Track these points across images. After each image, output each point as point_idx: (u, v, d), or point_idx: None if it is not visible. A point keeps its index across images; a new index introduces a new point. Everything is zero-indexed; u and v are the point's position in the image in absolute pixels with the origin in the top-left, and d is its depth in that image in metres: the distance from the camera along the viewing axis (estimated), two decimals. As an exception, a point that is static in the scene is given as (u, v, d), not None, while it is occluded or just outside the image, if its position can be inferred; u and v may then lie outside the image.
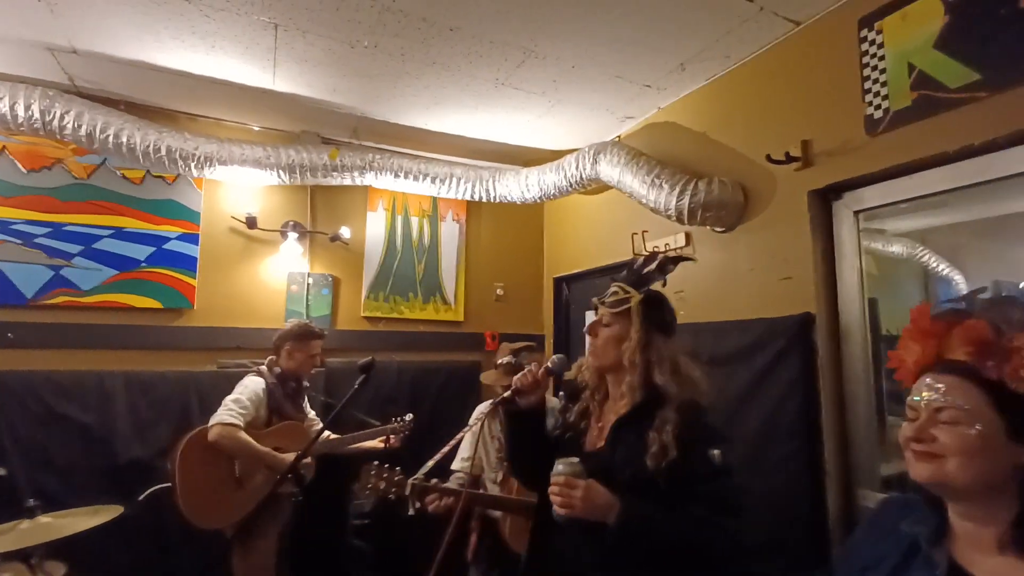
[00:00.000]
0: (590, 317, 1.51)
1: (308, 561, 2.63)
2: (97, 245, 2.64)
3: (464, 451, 2.21)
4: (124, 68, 2.38)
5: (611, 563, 1.20)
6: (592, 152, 2.61)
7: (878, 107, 1.67)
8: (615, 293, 1.33)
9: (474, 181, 3.03)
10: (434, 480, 1.93)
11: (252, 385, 2.29)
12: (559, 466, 1.15)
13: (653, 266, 1.37)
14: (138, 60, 2.31)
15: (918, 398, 0.87)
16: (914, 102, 1.58)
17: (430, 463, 1.36)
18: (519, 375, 1.33)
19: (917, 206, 1.76)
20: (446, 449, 1.35)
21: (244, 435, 2.14)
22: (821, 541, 1.71)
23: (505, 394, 1.35)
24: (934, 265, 2.14)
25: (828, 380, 1.81)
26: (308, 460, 2.30)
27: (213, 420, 2.15)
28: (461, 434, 1.51)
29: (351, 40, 2.12)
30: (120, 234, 2.69)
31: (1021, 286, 2.17)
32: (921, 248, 2.19)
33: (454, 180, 3.00)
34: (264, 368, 2.38)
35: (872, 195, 1.79)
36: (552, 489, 1.14)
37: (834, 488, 1.75)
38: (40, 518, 1.80)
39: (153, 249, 2.73)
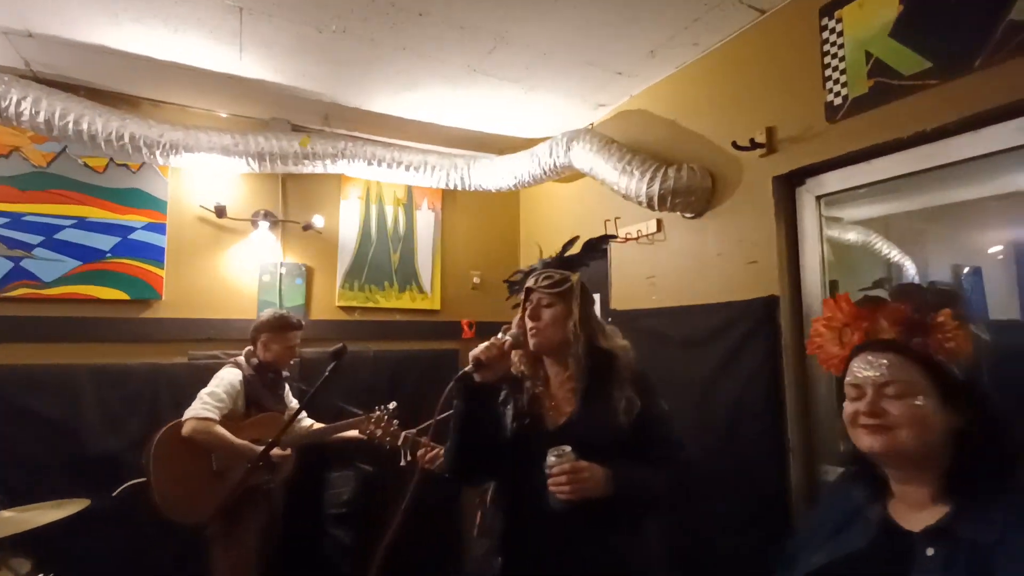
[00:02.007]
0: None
1: (288, 552, 2.63)
2: (59, 236, 2.56)
3: None
4: (83, 52, 2.30)
5: (598, 534, 1.25)
6: (565, 140, 2.62)
7: (837, 94, 1.72)
8: (549, 276, 1.40)
9: (448, 169, 3.02)
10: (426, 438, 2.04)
11: (228, 377, 2.26)
12: (553, 457, 1.18)
13: (575, 249, 1.50)
14: (97, 44, 2.24)
15: (863, 375, 0.93)
16: (871, 89, 1.63)
17: (426, 424, 1.47)
18: (483, 346, 1.29)
19: (876, 193, 1.82)
20: (441, 416, 1.39)
21: (219, 429, 2.11)
22: (785, 513, 1.78)
23: (467, 368, 1.29)
24: (887, 252, 2.23)
25: (791, 360, 1.87)
26: (287, 452, 2.29)
27: (187, 414, 2.12)
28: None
29: (319, 24, 2.09)
30: (83, 224, 2.61)
31: (965, 271, 2.28)
32: (875, 236, 2.28)
33: (428, 168, 2.99)
34: (242, 359, 2.36)
35: (833, 180, 1.84)
36: (559, 479, 1.16)
37: (797, 463, 1.82)
38: (3, 513, 1.77)
39: (118, 239, 2.66)
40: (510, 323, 2.57)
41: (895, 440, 0.87)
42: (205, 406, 2.13)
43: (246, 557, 2.19)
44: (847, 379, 0.96)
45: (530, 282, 1.41)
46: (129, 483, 2.23)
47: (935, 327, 0.91)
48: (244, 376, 2.29)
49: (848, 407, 0.95)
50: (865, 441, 0.91)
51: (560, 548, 1.25)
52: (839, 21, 1.73)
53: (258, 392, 2.31)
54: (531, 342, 1.37)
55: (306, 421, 2.50)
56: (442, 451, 2.01)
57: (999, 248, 2.26)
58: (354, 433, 2.41)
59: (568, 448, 1.19)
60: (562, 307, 1.37)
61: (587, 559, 1.23)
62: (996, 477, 0.85)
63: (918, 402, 0.87)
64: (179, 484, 2.11)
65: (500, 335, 1.39)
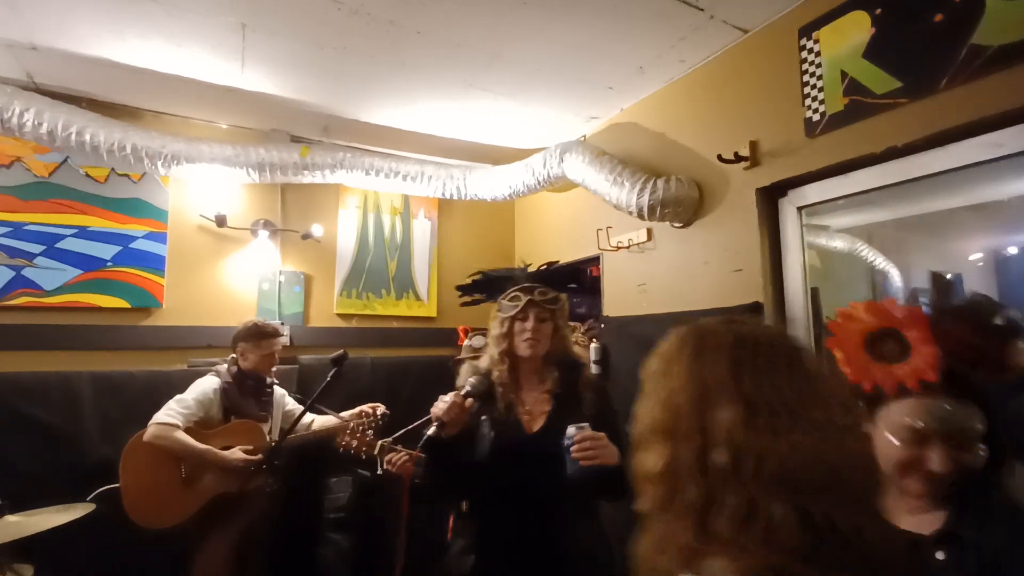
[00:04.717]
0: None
1: (285, 555, 2.66)
2: (60, 245, 2.60)
3: None
4: (86, 65, 2.35)
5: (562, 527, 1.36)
6: (558, 151, 2.70)
7: (815, 111, 1.82)
8: (544, 292, 1.53)
9: (445, 179, 3.09)
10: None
11: (203, 385, 2.28)
12: (573, 428, 1.27)
13: (559, 272, 1.65)
14: (100, 57, 2.29)
15: (931, 423, 0.86)
16: (846, 107, 1.73)
17: (400, 432, 1.62)
18: (444, 409, 1.37)
19: (858, 203, 1.92)
20: (416, 424, 1.48)
21: (180, 434, 2.13)
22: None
23: (430, 431, 1.36)
24: (872, 259, 2.32)
25: (775, 364, 1.95)
26: (259, 458, 2.24)
27: (152, 420, 2.15)
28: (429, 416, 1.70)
29: (320, 41, 2.16)
30: (84, 233, 2.66)
31: (948, 276, 2.37)
32: (861, 243, 2.37)
33: (425, 178, 3.06)
34: (222, 367, 2.37)
35: (812, 192, 1.93)
36: (583, 445, 1.24)
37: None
38: (8, 517, 1.80)
39: (119, 248, 2.71)
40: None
41: (942, 486, 0.86)
42: (169, 412, 2.15)
43: (218, 560, 2.18)
44: (906, 419, 0.88)
45: (529, 295, 1.52)
46: (103, 488, 2.23)
47: (1010, 365, 0.85)
48: (221, 384, 2.30)
49: (904, 451, 0.87)
50: (916, 489, 0.88)
51: (532, 540, 1.35)
52: (816, 42, 1.83)
53: (235, 400, 2.31)
54: (527, 351, 1.49)
55: (307, 418, 2.48)
56: (404, 456, 2.09)
57: (979, 255, 2.37)
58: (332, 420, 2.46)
59: (587, 424, 1.29)
60: (551, 322, 1.52)
61: (557, 547, 1.35)
62: (986, 480, 0.88)
63: (981, 452, 0.85)
64: (147, 490, 2.12)
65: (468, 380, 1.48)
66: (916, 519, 0.90)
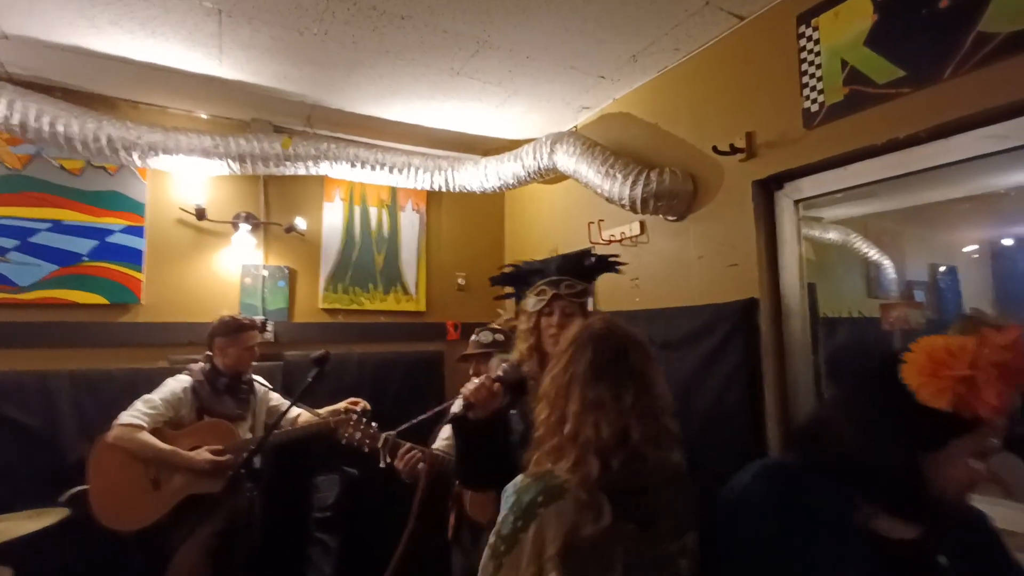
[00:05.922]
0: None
1: (271, 555, 2.62)
2: (34, 239, 2.51)
3: (444, 432, 2.24)
4: (59, 53, 2.26)
5: None
6: (549, 142, 2.63)
7: (814, 101, 1.75)
8: (572, 286, 1.48)
9: (433, 171, 3.01)
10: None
11: (172, 384, 2.21)
12: None
13: (593, 261, 1.56)
14: (74, 45, 2.20)
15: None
16: (846, 97, 1.66)
17: (405, 425, 1.57)
18: (473, 388, 1.31)
19: (853, 194, 1.86)
20: (422, 417, 1.43)
21: (144, 435, 2.06)
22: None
23: (457, 411, 1.31)
24: (866, 250, 2.27)
25: (771, 361, 1.90)
26: (227, 459, 2.17)
27: (116, 421, 2.07)
28: (439, 408, 1.67)
29: (299, 27, 2.07)
30: (59, 227, 2.56)
31: (941, 270, 2.33)
32: (855, 235, 2.32)
33: (412, 169, 2.98)
34: (195, 365, 2.29)
35: (810, 185, 1.87)
36: None
37: (775, 463, 1.85)
38: (-21, 524, 1.74)
39: (96, 243, 2.62)
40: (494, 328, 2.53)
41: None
42: (133, 413, 2.08)
43: (191, 562, 2.12)
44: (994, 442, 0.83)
45: (555, 289, 1.47)
46: (74, 489, 2.15)
47: None
48: (192, 383, 2.23)
49: (979, 465, 0.83)
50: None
51: None
52: (816, 29, 1.76)
53: (206, 399, 2.23)
54: (553, 347, 1.41)
55: (293, 412, 2.42)
56: (418, 454, 2.03)
57: (974, 247, 2.32)
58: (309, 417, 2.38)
59: None
60: (581, 315, 1.45)
61: None
62: None
63: None
64: (114, 492, 2.06)
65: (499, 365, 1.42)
66: (894, 527, 0.90)
